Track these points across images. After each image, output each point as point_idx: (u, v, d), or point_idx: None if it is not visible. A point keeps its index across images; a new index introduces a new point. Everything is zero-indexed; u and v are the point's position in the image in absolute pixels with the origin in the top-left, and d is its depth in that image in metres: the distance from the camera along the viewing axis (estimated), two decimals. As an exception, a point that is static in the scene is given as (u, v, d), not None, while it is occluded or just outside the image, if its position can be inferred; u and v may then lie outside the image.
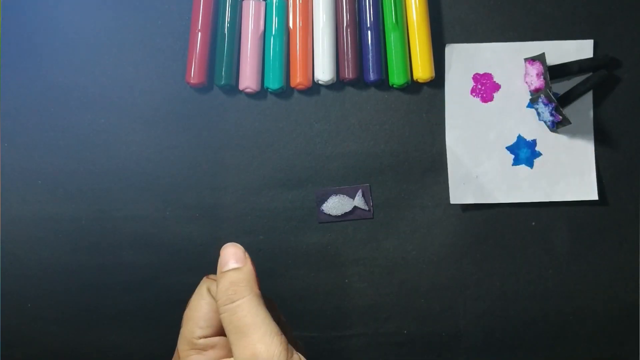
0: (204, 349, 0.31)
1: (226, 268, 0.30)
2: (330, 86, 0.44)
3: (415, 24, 0.43)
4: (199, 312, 0.31)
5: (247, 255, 0.31)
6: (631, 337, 0.43)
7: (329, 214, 0.43)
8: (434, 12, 0.44)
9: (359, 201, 0.43)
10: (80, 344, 0.44)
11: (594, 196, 0.43)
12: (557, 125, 0.42)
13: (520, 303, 0.44)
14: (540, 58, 0.41)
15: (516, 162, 0.44)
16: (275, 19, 0.43)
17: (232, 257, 0.31)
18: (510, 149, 0.44)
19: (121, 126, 0.44)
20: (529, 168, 0.43)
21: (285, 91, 0.44)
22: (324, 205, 0.43)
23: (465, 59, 0.44)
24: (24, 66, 0.44)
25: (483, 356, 0.44)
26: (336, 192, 0.43)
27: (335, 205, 0.43)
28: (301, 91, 0.44)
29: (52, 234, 0.44)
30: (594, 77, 0.43)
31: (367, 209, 0.43)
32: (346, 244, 0.44)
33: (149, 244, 0.44)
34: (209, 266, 0.44)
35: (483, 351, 0.44)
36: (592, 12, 0.44)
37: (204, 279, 0.33)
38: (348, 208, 0.43)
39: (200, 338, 0.31)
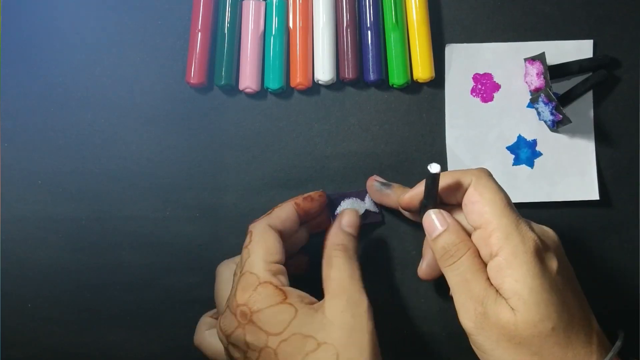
0: (276, 272, 0.34)
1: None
2: (330, 86, 0.44)
3: (415, 24, 0.43)
4: (268, 242, 0.35)
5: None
6: (631, 337, 0.43)
7: None
8: (434, 12, 0.44)
9: (369, 204, 0.42)
10: (80, 344, 0.44)
11: (595, 196, 0.43)
12: (557, 124, 0.42)
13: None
14: (540, 58, 0.41)
15: (516, 162, 0.44)
16: (275, 19, 0.43)
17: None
18: (511, 149, 0.44)
19: (121, 126, 0.44)
20: (529, 168, 0.43)
21: (285, 91, 0.44)
22: (338, 210, 0.42)
23: (465, 59, 0.44)
24: (24, 66, 0.44)
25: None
26: (348, 196, 0.42)
27: (349, 207, 0.42)
28: (301, 91, 0.44)
29: (52, 234, 0.44)
30: (593, 77, 0.43)
31: (377, 211, 0.42)
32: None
33: (149, 244, 0.44)
34: (209, 266, 0.44)
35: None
36: (592, 12, 0.44)
37: (253, 224, 0.37)
38: (361, 211, 0.42)
39: (273, 263, 0.34)
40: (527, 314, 0.29)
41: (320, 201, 0.40)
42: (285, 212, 0.37)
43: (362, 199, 0.42)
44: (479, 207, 0.32)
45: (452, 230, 0.33)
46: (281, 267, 0.35)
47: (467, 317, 0.31)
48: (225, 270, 0.39)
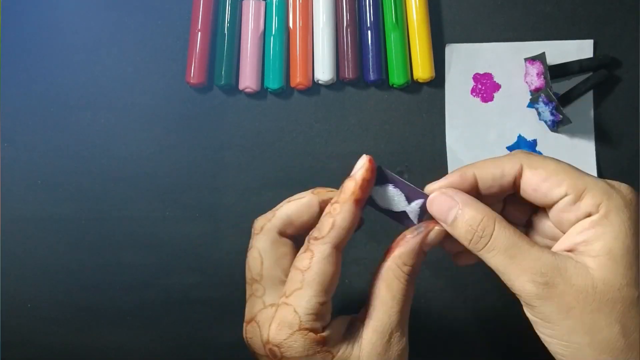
0: (323, 313, 0.30)
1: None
2: (330, 86, 0.44)
3: (415, 24, 0.43)
4: (328, 276, 0.30)
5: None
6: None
7: (374, 199, 0.33)
8: (434, 12, 0.44)
9: (412, 209, 0.32)
10: (80, 344, 0.44)
11: (594, 196, 0.43)
12: (557, 124, 0.42)
13: (520, 302, 0.43)
14: (540, 58, 0.41)
15: (516, 162, 0.44)
16: (275, 19, 0.43)
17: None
18: (511, 148, 0.44)
19: (121, 126, 0.44)
20: (529, 168, 0.43)
21: (285, 91, 0.44)
22: (376, 187, 0.32)
23: (465, 59, 0.44)
24: (24, 66, 0.44)
25: (483, 356, 0.44)
26: (397, 184, 0.32)
27: (388, 196, 0.32)
28: (301, 91, 0.44)
29: (52, 234, 0.44)
30: (594, 77, 0.43)
31: (416, 222, 0.32)
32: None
33: (149, 244, 0.44)
34: (209, 266, 0.44)
35: (483, 351, 0.44)
36: (592, 12, 0.44)
37: (316, 241, 0.30)
38: (396, 208, 0.32)
39: (323, 304, 0.30)
40: (614, 276, 0.26)
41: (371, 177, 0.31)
42: (350, 221, 0.30)
43: (409, 200, 0.32)
44: (553, 181, 0.28)
45: (469, 205, 0.29)
46: (329, 305, 0.30)
47: (524, 290, 0.27)
48: (264, 240, 0.32)
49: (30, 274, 0.44)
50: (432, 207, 0.30)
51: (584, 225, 0.27)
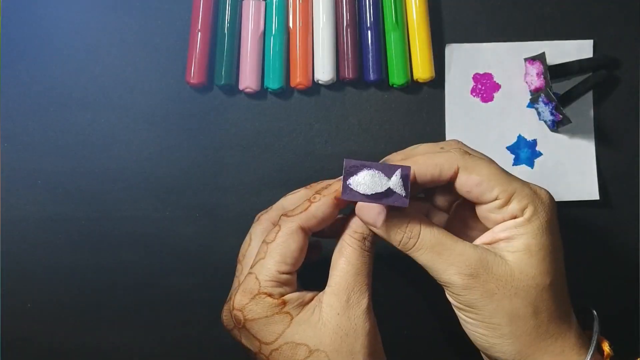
0: (285, 283, 0.33)
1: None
2: (330, 86, 0.44)
3: (415, 24, 0.43)
4: (289, 248, 0.33)
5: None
6: (631, 337, 0.43)
7: (357, 191, 0.32)
8: (434, 12, 0.44)
9: (395, 183, 0.32)
10: (80, 344, 0.44)
11: (595, 196, 0.43)
12: (557, 124, 0.42)
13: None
14: (540, 57, 0.41)
15: (516, 162, 0.44)
16: (275, 19, 0.43)
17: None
18: (511, 148, 0.44)
19: (121, 126, 0.44)
20: (529, 168, 0.43)
21: (285, 91, 0.44)
22: (353, 178, 0.32)
23: (465, 59, 0.44)
24: (24, 66, 0.44)
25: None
26: (369, 167, 0.32)
27: (367, 181, 0.32)
28: (301, 91, 0.44)
29: (52, 234, 0.44)
30: (593, 77, 0.43)
31: (404, 194, 0.32)
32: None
33: (149, 244, 0.44)
34: (209, 266, 0.44)
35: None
36: (592, 12, 0.44)
37: (286, 217, 0.33)
38: (381, 188, 0.32)
39: (283, 274, 0.32)
40: (529, 267, 0.30)
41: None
42: (322, 211, 0.33)
43: (388, 175, 0.32)
44: (485, 186, 0.31)
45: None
46: (291, 278, 0.33)
47: (451, 282, 0.31)
48: (256, 227, 0.37)
49: (30, 274, 0.44)
50: (362, 214, 0.32)
51: (508, 225, 0.31)
